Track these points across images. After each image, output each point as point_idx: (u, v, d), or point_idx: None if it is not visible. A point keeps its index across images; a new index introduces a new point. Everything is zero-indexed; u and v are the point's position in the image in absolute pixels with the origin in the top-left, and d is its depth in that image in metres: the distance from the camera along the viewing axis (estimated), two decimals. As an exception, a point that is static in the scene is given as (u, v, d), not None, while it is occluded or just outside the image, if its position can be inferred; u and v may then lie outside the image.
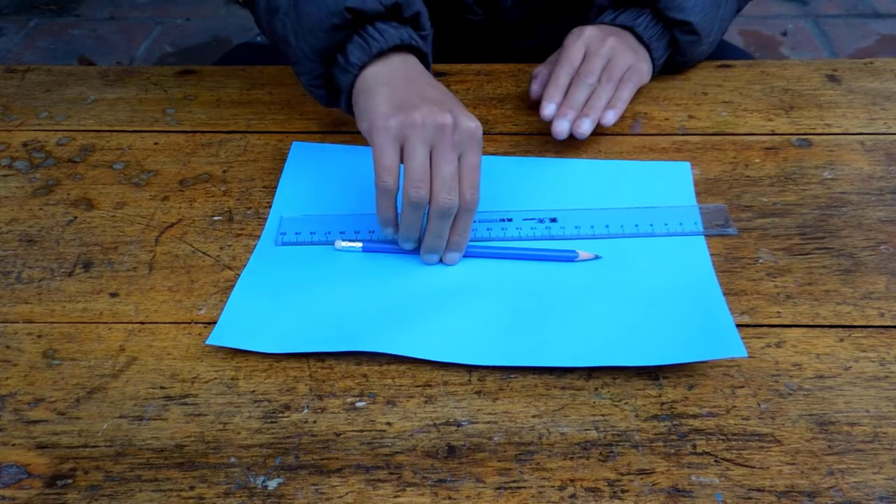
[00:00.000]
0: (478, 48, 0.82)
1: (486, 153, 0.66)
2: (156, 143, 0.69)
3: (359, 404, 0.48)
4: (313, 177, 0.64)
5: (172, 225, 0.60)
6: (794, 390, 0.48)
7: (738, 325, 0.51)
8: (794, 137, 0.67)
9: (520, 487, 0.43)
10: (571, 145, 0.67)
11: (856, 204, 0.61)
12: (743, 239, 0.58)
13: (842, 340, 0.51)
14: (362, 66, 0.58)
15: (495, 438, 0.46)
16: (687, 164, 0.64)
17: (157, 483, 0.44)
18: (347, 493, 0.43)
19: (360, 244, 0.57)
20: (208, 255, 0.58)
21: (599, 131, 0.68)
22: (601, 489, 0.43)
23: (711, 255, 0.56)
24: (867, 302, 0.53)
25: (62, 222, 0.61)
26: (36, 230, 0.60)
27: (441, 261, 0.56)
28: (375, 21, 0.58)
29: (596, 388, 0.48)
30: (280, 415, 0.47)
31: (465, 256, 0.56)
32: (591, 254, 0.56)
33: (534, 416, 0.47)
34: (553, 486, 0.43)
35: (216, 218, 0.61)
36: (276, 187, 0.63)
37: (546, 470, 0.44)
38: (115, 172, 0.65)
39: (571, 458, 0.45)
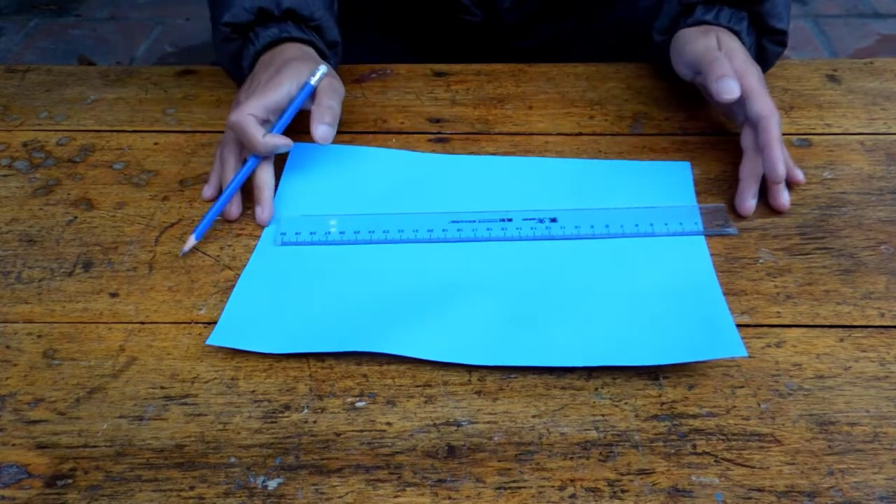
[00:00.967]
0: (477, 48, 0.82)
1: (486, 153, 0.66)
2: (156, 143, 0.69)
3: (359, 404, 0.48)
4: (313, 177, 0.64)
5: (172, 225, 0.60)
6: (794, 390, 0.48)
7: (738, 325, 0.51)
8: (795, 137, 0.67)
9: (520, 487, 0.43)
10: (571, 146, 0.67)
11: (856, 204, 0.61)
12: (743, 239, 0.58)
13: (842, 340, 0.51)
14: (250, 68, 0.67)
15: (495, 438, 0.46)
16: (687, 164, 0.64)
17: (157, 483, 0.44)
18: (347, 493, 0.43)
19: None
20: (208, 255, 0.58)
21: (599, 131, 0.68)
22: (601, 489, 0.43)
23: (711, 255, 0.56)
24: (867, 302, 0.53)
25: (62, 222, 0.61)
26: (36, 230, 0.60)
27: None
28: (255, 26, 0.67)
29: (596, 388, 0.48)
30: (280, 415, 0.47)
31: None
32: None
33: (534, 416, 0.47)
34: (553, 486, 0.43)
35: (216, 218, 0.61)
36: (276, 187, 0.63)
37: (546, 470, 0.44)
38: (115, 172, 0.65)
39: (571, 458, 0.45)
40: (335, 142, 0.62)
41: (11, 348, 0.52)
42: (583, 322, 0.51)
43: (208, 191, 0.63)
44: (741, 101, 0.61)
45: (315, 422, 0.47)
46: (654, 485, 0.43)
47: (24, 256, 0.58)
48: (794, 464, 0.44)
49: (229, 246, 0.58)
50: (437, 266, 0.56)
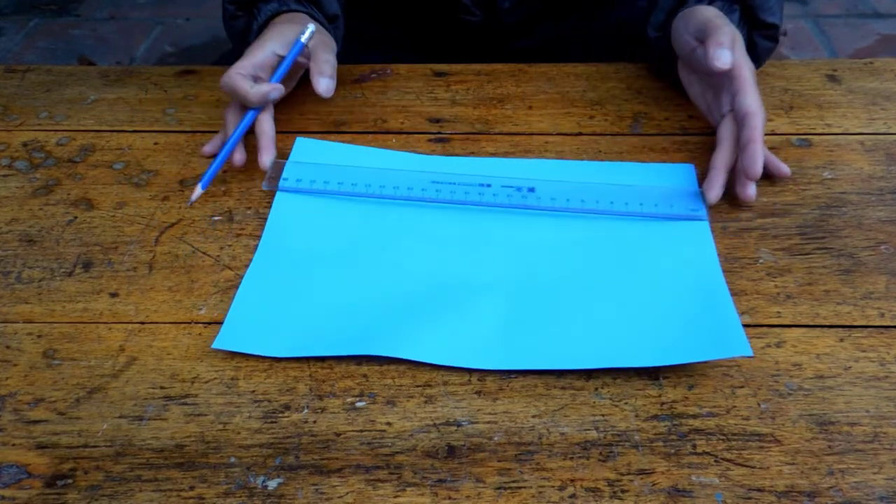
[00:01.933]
0: (477, 48, 0.82)
1: (486, 153, 0.66)
2: (156, 143, 0.69)
3: (359, 404, 0.48)
4: (317, 170, 0.64)
5: (172, 225, 0.60)
6: (794, 390, 0.48)
7: (738, 325, 0.51)
8: (794, 137, 0.67)
9: (520, 487, 0.43)
10: (572, 146, 0.67)
11: (856, 204, 0.61)
12: (743, 239, 0.58)
13: (842, 340, 0.51)
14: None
15: (495, 438, 0.46)
16: (691, 166, 0.64)
17: (157, 483, 0.44)
18: (347, 493, 0.43)
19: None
20: (208, 255, 0.58)
21: (599, 131, 0.68)
22: (601, 489, 0.43)
23: (711, 255, 0.56)
24: (867, 302, 0.53)
25: (62, 222, 0.61)
26: (36, 230, 0.60)
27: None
28: (257, 2, 0.70)
29: (596, 388, 0.48)
30: (280, 415, 0.47)
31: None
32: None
33: (534, 416, 0.47)
34: (553, 486, 0.43)
35: (216, 218, 0.61)
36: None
37: (546, 470, 0.44)
38: (115, 172, 0.65)
39: (571, 458, 0.45)
40: (335, 141, 0.62)
41: (11, 348, 0.52)
42: (584, 323, 0.51)
43: (209, 147, 0.67)
44: (730, 92, 0.61)
45: (315, 422, 0.47)
46: (654, 485, 0.43)
47: (24, 256, 0.58)
48: (794, 464, 0.44)
49: (229, 246, 0.58)
50: (439, 269, 0.56)
